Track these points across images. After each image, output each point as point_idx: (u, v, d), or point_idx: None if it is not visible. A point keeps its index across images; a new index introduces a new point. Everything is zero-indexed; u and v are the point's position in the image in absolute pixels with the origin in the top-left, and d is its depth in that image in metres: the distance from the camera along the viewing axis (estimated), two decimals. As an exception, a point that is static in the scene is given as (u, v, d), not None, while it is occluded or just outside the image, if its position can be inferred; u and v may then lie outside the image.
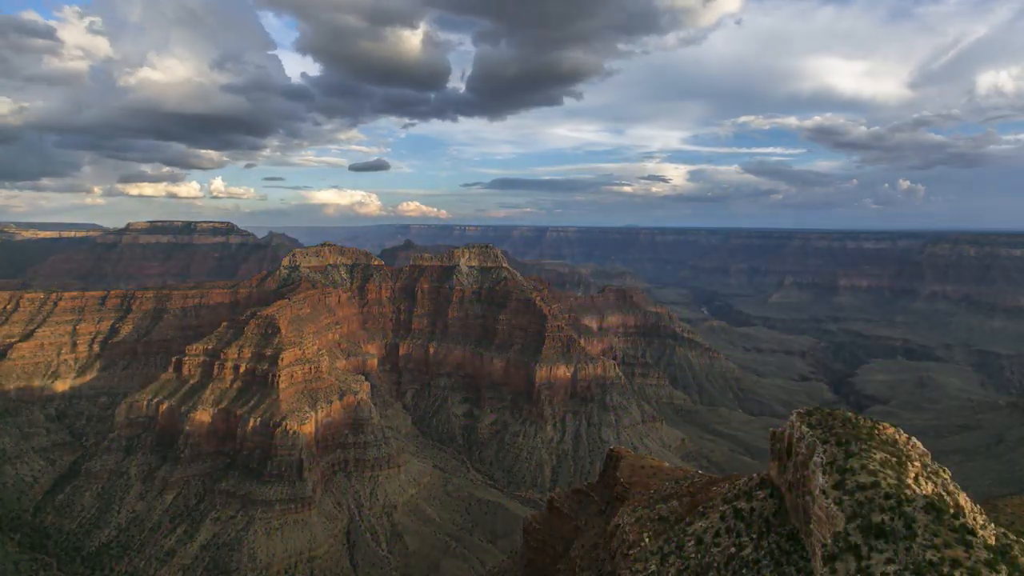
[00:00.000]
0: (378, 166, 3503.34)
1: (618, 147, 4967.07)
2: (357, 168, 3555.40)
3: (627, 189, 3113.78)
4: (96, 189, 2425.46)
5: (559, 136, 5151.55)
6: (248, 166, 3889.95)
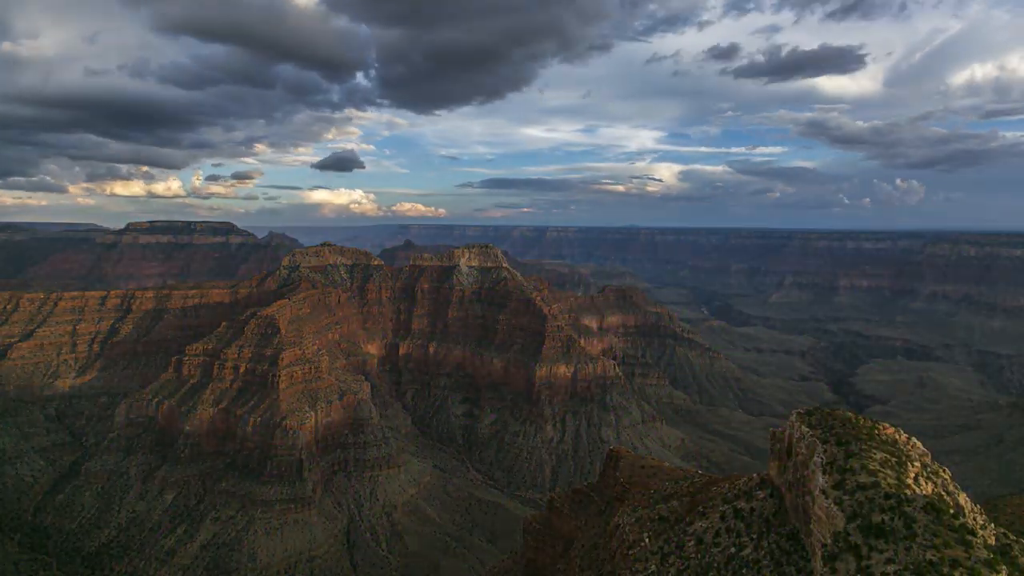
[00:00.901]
0: (345, 164, 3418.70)
1: (597, 146, 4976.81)
2: (319, 166, 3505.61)
3: (620, 188, 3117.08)
4: (72, 189, 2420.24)
5: (536, 137, 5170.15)
6: (216, 165, 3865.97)
